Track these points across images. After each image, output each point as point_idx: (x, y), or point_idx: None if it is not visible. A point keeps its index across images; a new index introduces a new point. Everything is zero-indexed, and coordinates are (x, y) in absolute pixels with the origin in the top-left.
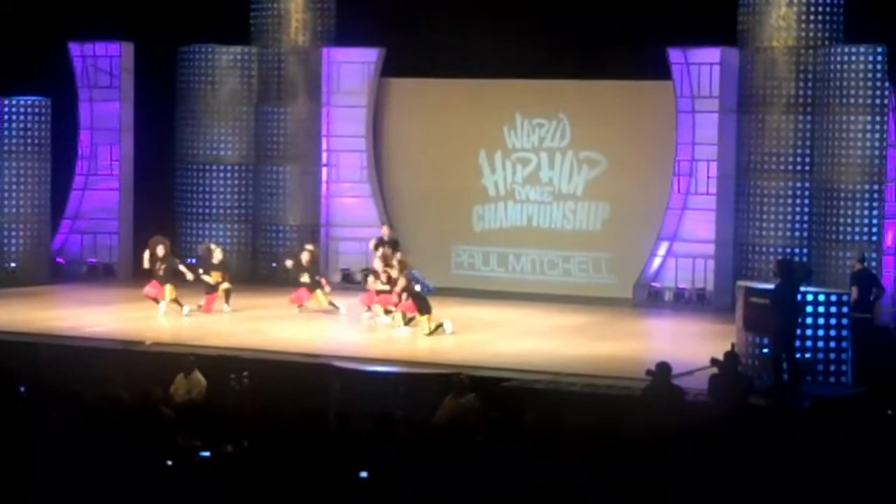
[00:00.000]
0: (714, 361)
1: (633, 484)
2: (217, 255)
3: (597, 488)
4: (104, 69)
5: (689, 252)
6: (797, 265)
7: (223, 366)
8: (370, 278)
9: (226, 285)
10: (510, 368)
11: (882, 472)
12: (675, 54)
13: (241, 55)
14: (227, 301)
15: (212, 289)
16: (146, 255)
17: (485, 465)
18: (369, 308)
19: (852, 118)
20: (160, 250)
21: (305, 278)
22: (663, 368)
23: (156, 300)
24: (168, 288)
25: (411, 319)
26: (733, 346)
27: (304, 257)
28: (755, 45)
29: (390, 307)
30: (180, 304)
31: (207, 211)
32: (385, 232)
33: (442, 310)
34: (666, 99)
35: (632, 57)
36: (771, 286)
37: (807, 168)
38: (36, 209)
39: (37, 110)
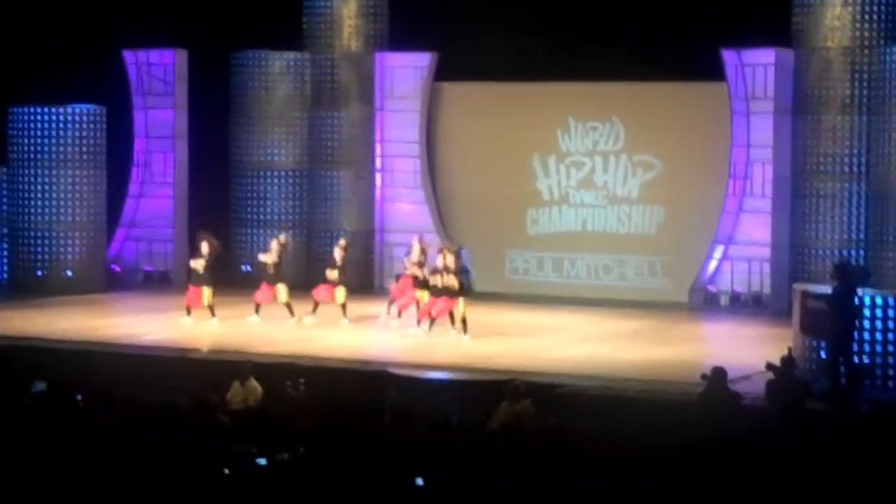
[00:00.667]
0: (770, 366)
1: (689, 489)
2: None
3: (653, 495)
4: (158, 77)
5: (744, 255)
6: (854, 268)
7: (279, 373)
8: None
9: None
10: (566, 374)
11: None
12: (729, 55)
13: (295, 61)
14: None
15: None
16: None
17: (540, 472)
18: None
19: None
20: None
21: (271, 269)
22: (719, 373)
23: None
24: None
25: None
26: (790, 349)
27: (273, 246)
28: (810, 45)
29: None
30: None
31: (262, 217)
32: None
33: (496, 315)
34: (720, 101)
35: (685, 59)
36: (828, 289)
37: (863, 169)
38: (92, 217)
39: (92, 118)
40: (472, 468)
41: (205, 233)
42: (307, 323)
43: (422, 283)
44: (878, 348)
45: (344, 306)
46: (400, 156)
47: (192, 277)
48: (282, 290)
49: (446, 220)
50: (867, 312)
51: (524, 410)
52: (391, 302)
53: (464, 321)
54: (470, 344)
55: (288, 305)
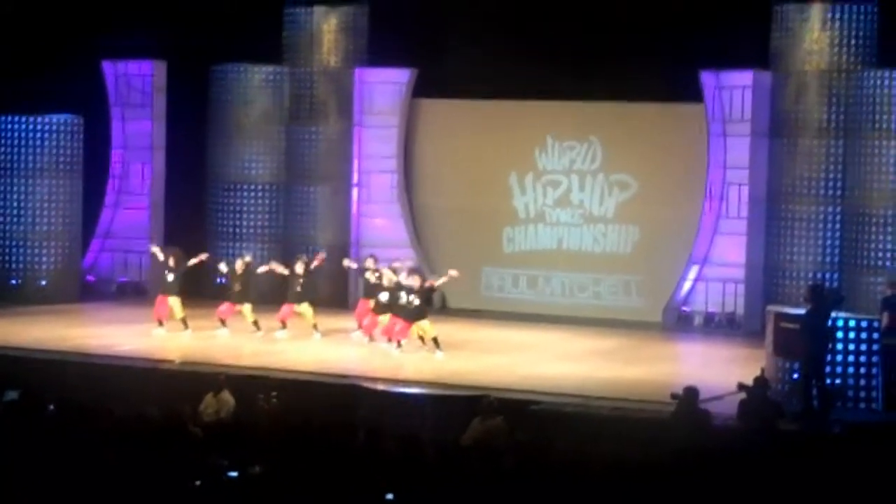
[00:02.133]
0: (741, 386)
1: None
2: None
3: None
4: (137, 87)
5: (719, 276)
6: (828, 291)
7: (251, 385)
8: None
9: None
10: (539, 391)
11: None
12: (707, 77)
13: (273, 74)
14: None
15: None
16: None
17: (511, 488)
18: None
19: (884, 143)
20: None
21: (237, 288)
22: (690, 392)
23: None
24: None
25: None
26: (763, 370)
27: (238, 266)
28: (788, 68)
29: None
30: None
31: (238, 230)
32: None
33: (471, 332)
34: (697, 122)
35: (664, 80)
36: (802, 311)
37: (838, 193)
38: (67, 227)
39: (69, 128)
40: (443, 484)
41: (171, 248)
42: (279, 337)
43: (383, 306)
44: (851, 370)
45: (255, 322)
46: (377, 171)
47: (161, 287)
48: (247, 310)
49: (422, 237)
50: (840, 335)
51: (497, 427)
52: (359, 326)
53: (434, 339)
54: (444, 360)
55: (255, 323)
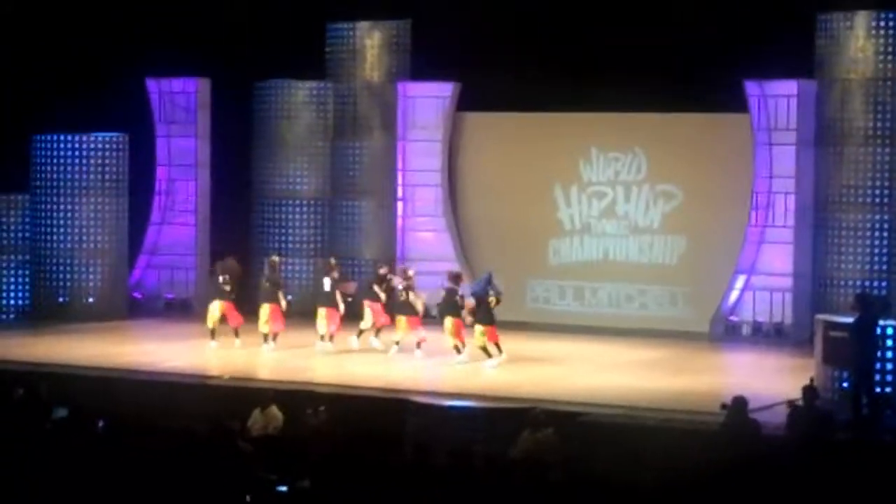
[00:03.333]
0: (791, 404)
1: None
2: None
3: None
4: (181, 105)
5: (766, 285)
6: (875, 298)
7: (299, 400)
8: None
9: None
10: (587, 402)
11: None
12: (751, 87)
13: (317, 90)
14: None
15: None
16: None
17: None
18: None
19: None
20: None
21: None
22: (739, 402)
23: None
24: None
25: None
26: (812, 380)
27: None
28: (833, 76)
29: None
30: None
31: (284, 246)
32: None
33: (518, 344)
34: (743, 132)
35: (708, 89)
36: (850, 319)
37: (885, 200)
38: (114, 244)
39: (115, 146)
40: (493, 497)
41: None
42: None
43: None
44: None
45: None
46: (421, 185)
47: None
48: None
49: (467, 250)
50: (889, 343)
51: (546, 439)
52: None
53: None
54: (492, 372)
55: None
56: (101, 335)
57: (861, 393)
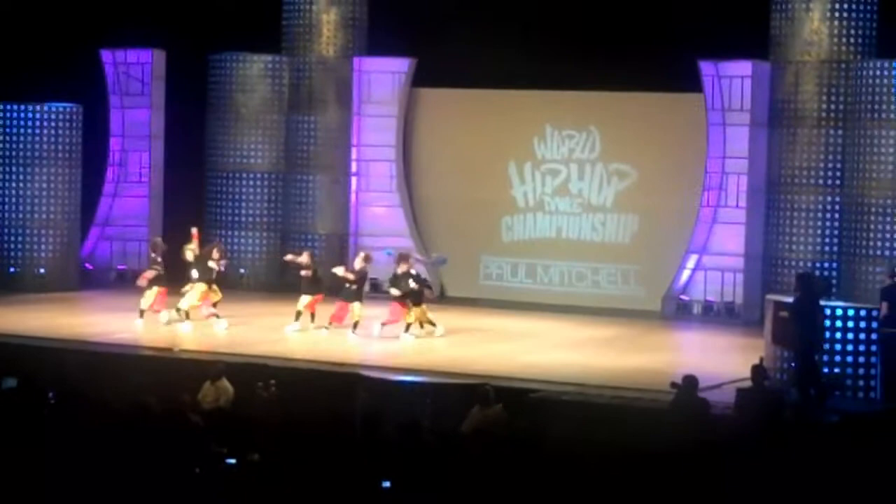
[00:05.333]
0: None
1: (657, 496)
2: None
3: (622, 500)
4: (135, 76)
5: (718, 265)
6: (817, 279)
7: (250, 374)
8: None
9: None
10: (538, 380)
11: None
12: (706, 67)
13: (272, 63)
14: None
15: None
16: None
17: (509, 476)
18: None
19: (884, 132)
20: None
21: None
22: (689, 381)
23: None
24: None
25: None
26: (761, 360)
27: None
28: (787, 58)
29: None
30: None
31: (237, 219)
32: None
33: (470, 320)
34: (697, 111)
35: (663, 69)
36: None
37: (837, 182)
38: (66, 215)
39: (68, 117)
40: (442, 471)
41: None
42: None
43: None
44: (849, 359)
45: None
46: (376, 160)
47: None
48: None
49: (421, 225)
50: (839, 324)
51: (496, 415)
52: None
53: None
54: (443, 348)
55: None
56: (51, 306)
57: (804, 373)
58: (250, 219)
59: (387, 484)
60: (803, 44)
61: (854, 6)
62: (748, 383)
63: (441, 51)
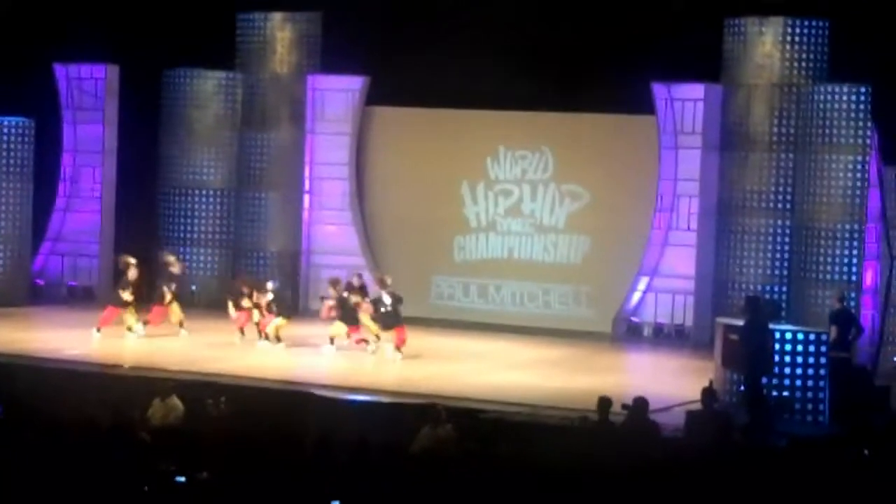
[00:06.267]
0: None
1: None
2: (132, 272)
3: None
4: (88, 91)
5: (668, 287)
6: (766, 302)
7: (200, 391)
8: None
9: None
10: (488, 400)
11: None
12: (659, 89)
13: (226, 80)
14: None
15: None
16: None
17: (457, 496)
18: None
19: (835, 157)
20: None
21: (126, 296)
22: (639, 403)
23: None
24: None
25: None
26: (711, 382)
27: (132, 274)
28: (739, 81)
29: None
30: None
31: (189, 235)
32: (356, 281)
33: (421, 340)
34: (649, 134)
35: (616, 91)
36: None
37: (788, 206)
38: (17, 230)
39: (20, 131)
40: (391, 491)
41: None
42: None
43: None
44: (798, 383)
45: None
46: (329, 178)
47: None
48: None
49: (373, 244)
50: (789, 347)
51: (446, 435)
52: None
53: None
54: (393, 368)
55: (181, 323)
56: (1, 321)
57: (752, 396)
58: (202, 235)
59: (336, 503)
60: (755, 67)
61: (806, 31)
62: (698, 406)
63: (395, 69)
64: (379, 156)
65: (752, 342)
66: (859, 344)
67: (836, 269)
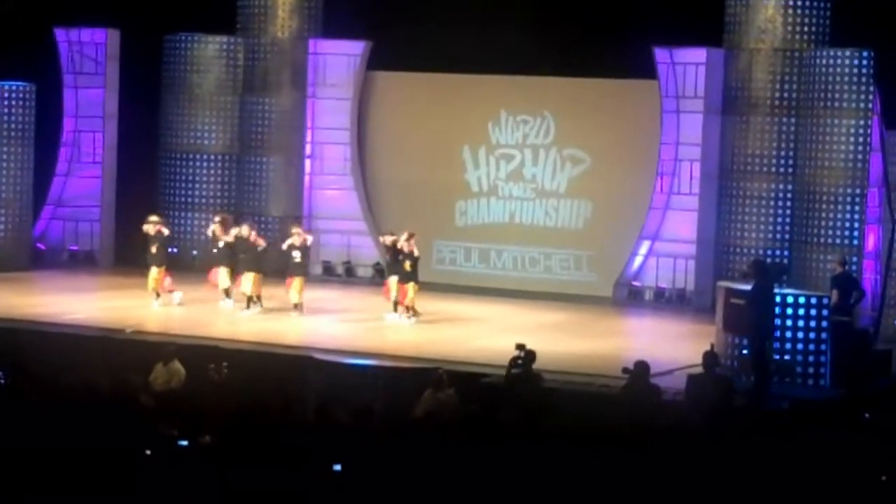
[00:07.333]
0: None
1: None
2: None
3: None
4: (90, 56)
5: (670, 252)
6: (771, 265)
7: (202, 356)
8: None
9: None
10: (490, 364)
11: (855, 476)
12: (661, 54)
13: (227, 44)
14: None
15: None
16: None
17: (459, 459)
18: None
19: (836, 121)
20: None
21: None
22: (641, 367)
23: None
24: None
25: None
26: (712, 346)
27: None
28: (741, 46)
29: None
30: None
31: (190, 200)
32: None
33: (423, 304)
34: (651, 98)
35: (618, 56)
36: (748, 287)
37: (790, 170)
38: (18, 195)
39: (21, 95)
40: (392, 455)
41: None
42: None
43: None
44: (800, 346)
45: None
46: (330, 143)
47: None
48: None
49: (375, 209)
50: (790, 311)
51: (448, 399)
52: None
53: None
54: (396, 332)
55: (226, 291)
56: (3, 286)
57: (759, 360)
58: (203, 200)
59: (338, 467)
60: (757, 31)
61: None
62: (699, 370)
63: (396, 34)
64: (380, 121)
65: (759, 304)
66: (860, 308)
67: (838, 233)
